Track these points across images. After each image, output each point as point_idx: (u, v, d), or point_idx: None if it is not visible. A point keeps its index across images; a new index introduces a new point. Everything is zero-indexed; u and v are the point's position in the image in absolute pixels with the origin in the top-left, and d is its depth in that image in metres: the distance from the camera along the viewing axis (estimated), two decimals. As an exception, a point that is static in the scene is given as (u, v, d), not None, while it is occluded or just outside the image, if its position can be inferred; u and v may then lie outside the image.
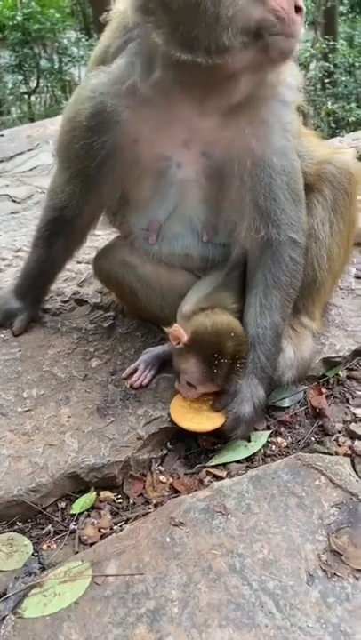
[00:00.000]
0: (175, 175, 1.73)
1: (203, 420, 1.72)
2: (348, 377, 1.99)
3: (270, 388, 1.84)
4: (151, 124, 1.66)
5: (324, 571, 1.37)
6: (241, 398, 1.74)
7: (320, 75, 12.24)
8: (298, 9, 1.43)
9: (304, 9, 1.45)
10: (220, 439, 1.78)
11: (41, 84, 14.49)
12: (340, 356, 1.99)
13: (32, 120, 12.41)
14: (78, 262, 2.51)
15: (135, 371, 1.90)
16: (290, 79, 1.72)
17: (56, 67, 14.56)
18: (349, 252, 2.08)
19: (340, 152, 2.06)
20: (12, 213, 4.59)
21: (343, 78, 11.73)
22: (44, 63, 14.49)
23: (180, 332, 1.68)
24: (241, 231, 1.78)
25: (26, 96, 14.35)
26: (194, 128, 1.66)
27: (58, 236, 1.99)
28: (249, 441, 1.77)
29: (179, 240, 1.82)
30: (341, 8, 15.58)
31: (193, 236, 1.81)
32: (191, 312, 1.77)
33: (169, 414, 1.77)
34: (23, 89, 14.37)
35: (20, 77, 14.14)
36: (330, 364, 1.99)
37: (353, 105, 11.18)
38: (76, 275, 2.45)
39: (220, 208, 1.78)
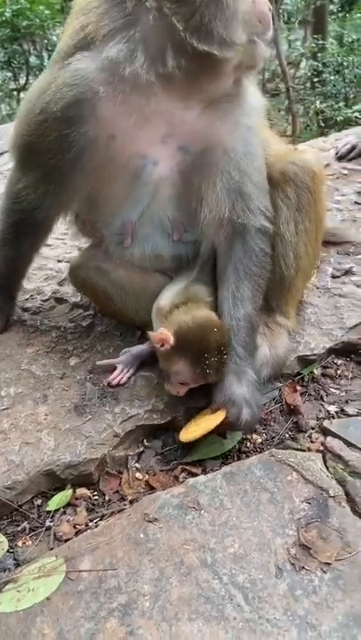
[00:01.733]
0: (151, 174, 1.72)
1: (205, 422, 1.71)
2: (323, 375, 2.02)
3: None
4: (132, 118, 1.62)
5: (293, 564, 1.40)
6: (230, 383, 1.73)
7: (309, 74, 12.27)
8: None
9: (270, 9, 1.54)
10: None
11: (30, 81, 14.40)
12: (315, 354, 2.02)
13: (21, 117, 12.33)
14: (59, 261, 2.52)
15: (113, 368, 1.91)
16: (253, 85, 1.79)
17: (45, 63, 14.47)
18: (318, 249, 2.11)
19: (302, 152, 2.08)
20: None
21: (332, 77, 11.73)
22: (33, 60, 14.41)
23: (166, 335, 1.67)
24: (211, 224, 1.80)
25: (15, 93, 14.26)
26: (175, 121, 1.66)
27: (25, 237, 1.98)
28: (224, 437, 1.79)
29: (149, 241, 1.83)
30: (331, 7, 15.61)
31: (163, 236, 1.82)
32: (168, 307, 1.79)
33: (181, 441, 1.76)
34: (12, 86, 14.29)
35: (9, 74, 14.05)
36: (305, 361, 2.02)
37: (341, 104, 11.19)
38: (56, 273, 2.46)
39: (191, 203, 1.79)
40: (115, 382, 1.89)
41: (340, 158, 3.28)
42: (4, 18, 12.80)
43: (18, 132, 1.79)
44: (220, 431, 1.75)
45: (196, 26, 1.47)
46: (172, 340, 1.67)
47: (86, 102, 1.59)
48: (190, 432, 1.72)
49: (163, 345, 1.69)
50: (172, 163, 1.73)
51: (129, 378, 1.92)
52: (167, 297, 1.83)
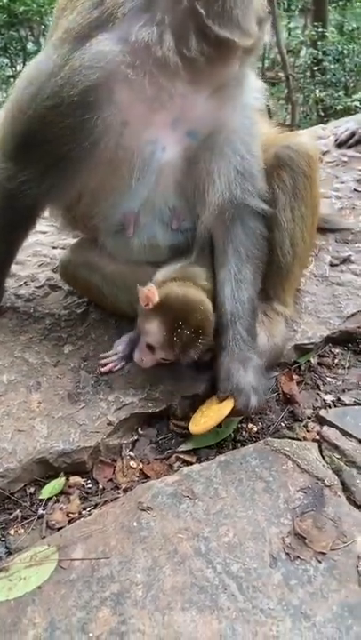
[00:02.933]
0: (159, 160, 1.67)
1: (215, 412, 1.68)
2: (320, 364, 2.00)
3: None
4: (148, 103, 1.57)
5: (288, 554, 1.38)
6: (236, 371, 1.70)
7: (309, 62, 12.15)
8: None
9: None
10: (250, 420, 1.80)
11: (27, 68, 14.28)
12: (311, 343, 2.00)
13: (18, 104, 12.22)
14: (53, 247, 2.49)
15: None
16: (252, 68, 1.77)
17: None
18: (314, 236, 2.08)
19: (297, 135, 2.04)
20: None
21: (332, 66, 11.62)
22: (30, 46, 14.21)
23: (153, 293, 1.68)
24: (213, 208, 1.76)
25: (12, 79, 14.11)
26: (186, 105, 1.61)
27: (14, 229, 1.94)
28: (220, 426, 1.77)
29: (147, 231, 1.79)
30: (332, -6, 15.44)
31: (162, 225, 1.78)
32: (163, 280, 1.78)
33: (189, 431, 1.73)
34: (9, 72, 14.11)
35: (6, 61, 13.88)
36: (302, 350, 2.00)
37: (341, 93, 11.10)
38: (50, 260, 2.43)
39: (192, 189, 1.76)
40: (105, 370, 1.87)
41: (339, 145, 3.23)
42: (0, 3, 12.62)
43: (13, 120, 1.68)
44: (228, 420, 1.74)
45: (218, 12, 1.45)
46: (156, 299, 1.68)
47: (106, 86, 1.52)
48: (201, 424, 1.69)
49: (147, 304, 1.69)
50: (179, 148, 1.70)
51: (122, 367, 1.90)
52: (165, 273, 1.82)
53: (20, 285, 2.26)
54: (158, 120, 1.62)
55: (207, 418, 1.68)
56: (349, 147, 3.21)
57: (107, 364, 1.88)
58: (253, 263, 1.83)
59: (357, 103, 10.28)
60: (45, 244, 2.55)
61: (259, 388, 1.70)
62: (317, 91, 11.41)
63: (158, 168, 1.70)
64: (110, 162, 1.66)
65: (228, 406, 1.66)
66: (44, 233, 2.66)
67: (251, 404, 1.67)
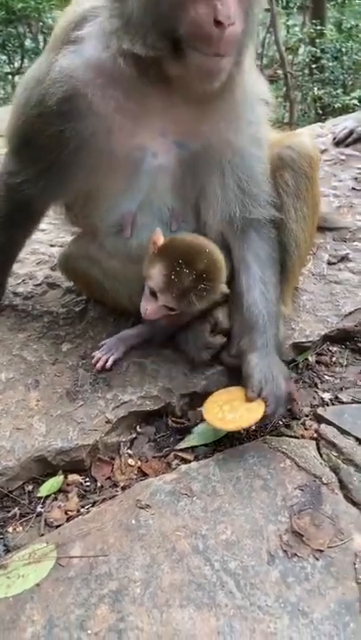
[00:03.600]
0: (150, 165, 1.68)
1: (244, 414, 1.64)
2: (318, 362, 2.00)
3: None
4: (128, 113, 1.59)
5: (285, 551, 1.39)
6: (271, 377, 1.69)
7: (307, 60, 12.13)
8: (218, 23, 1.36)
9: (228, 23, 1.36)
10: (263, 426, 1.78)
11: (25, 64, 14.18)
12: (309, 341, 2.00)
13: (16, 101, 12.18)
14: (52, 245, 2.49)
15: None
16: (256, 77, 1.75)
17: (41, 47, 14.25)
18: (314, 235, 2.08)
19: (298, 135, 2.04)
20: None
21: (331, 64, 11.61)
22: (28, 43, 14.17)
23: (158, 236, 1.70)
24: (219, 218, 1.78)
25: (10, 76, 14.05)
26: (168, 118, 1.63)
27: (18, 224, 1.95)
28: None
29: (148, 231, 1.79)
30: (330, -8, 15.42)
31: (161, 225, 1.78)
32: None
33: (204, 419, 1.70)
34: (7, 69, 14.07)
35: (4, 57, 13.83)
36: (300, 348, 2.00)
37: (339, 91, 11.09)
38: (49, 258, 2.43)
39: (192, 195, 1.77)
40: (98, 366, 1.86)
41: (337, 143, 3.23)
42: (-2, 0, 12.60)
43: (15, 123, 1.74)
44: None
45: (123, 26, 1.46)
46: (160, 241, 1.69)
47: (82, 97, 1.56)
48: (231, 422, 1.63)
49: (153, 248, 1.71)
50: (171, 155, 1.70)
51: (114, 361, 1.88)
52: None
53: (19, 283, 2.26)
54: (144, 129, 1.63)
55: (236, 415, 1.63)
56: (347, 145, 3.21)
57: (96, 361, 1.88)
58: (274, 266, 1.86)
59: (356, 101, 10.29)
60: (44, 241, 2.55)
61: (288, 395, 1.72)
62: (316, 88, 11.40)
63: (152, 172, 1.71)
64: (101, 167, 1.68)
65: (260, 411, 1.63)
66: (43, 231, 2.65)
67: (278, 413, 1.68)
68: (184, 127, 1.64)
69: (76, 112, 1.57)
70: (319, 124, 4.07)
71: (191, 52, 1.42)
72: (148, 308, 1.73)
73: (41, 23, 14.15)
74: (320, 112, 11.52)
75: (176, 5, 1.38)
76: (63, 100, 1.56)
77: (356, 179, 2.90)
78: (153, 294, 1.72)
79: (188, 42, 1.41)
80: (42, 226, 2.55)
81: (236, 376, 1.88)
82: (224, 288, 1.78)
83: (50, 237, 2.58)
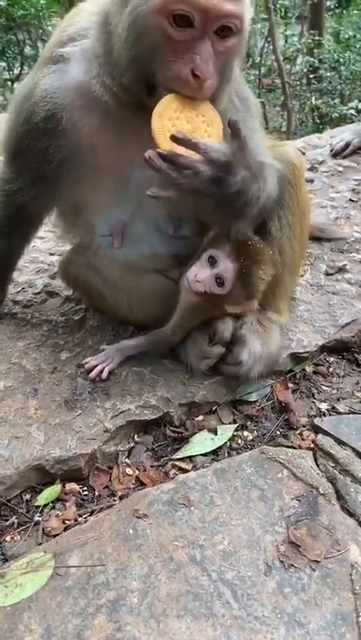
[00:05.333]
0: (138, 177, 1.69)
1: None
2: (315, 372, 2.02)
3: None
4: (111, 132, 1.62)
5: (282, 562, 1.39)
6: None
7: (305, 70, 12.24)
8: (196, 76, 1.39)
9: (204, 77, 1.39)
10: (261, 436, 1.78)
11: (25, 71, 14.24)
12: (307, 352, 2.01)
13: (15, 108, 12.23)
14: (51, 254, 2.50)
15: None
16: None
17: (40, 54, 14.34)
18: (304, 244, 2.08)
19: (281, 145, 2.04)
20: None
21: (328, 74, 11.73)
22: (28, 50, 14.23)
23: None
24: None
25: (9, 83, 14.11)
26: (151, 140, 1.64)
27: (17, 229, 1.97)
28: (215, 434, 1.79)
29: (145, 240, 1.80)
30: (328, 3, 15.57)
31: (158, 232, 1.80)
32: None
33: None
34: (6, 76, 14.12)
35: (4, 64, 13.89)
36: (297, 359, 2.02)
37: (337, 101, 11.19)
38: (48, 267, 2.44)
39: (185, 200, 1.77)
40: (92, 375, 1.87)
41: (334, 155, 3.27)
42: (-1, 7, 12.67)
43: (9, 135, 1.78)
44: None
45: (112, 75, 1.52)
46: None
47: (64, 116, 1.59)
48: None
49: None
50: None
51: (109, 372, 1.89)
52: None
53: (18, 291, 2.27)
54: (128, 145, 1.64)
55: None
56: (345, 157, 3.25)
57: (93, 368, 1.87)
58: None
59: (353, 111, 10.38)
60: (43, 250, 2.57)
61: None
62: (313, 98, 11.52)
63: (141, 183, 1.69)
64: (87, 180, 1.71)
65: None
66: (42, 238, 2.67)
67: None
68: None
69: (59, 130, 1.61)
70: (317, 134, 4.11)
71: (165, 91, 1.45)
72: (199, 273, 1.66)
73: (41, 30, 14.24)
74: (318, 121, 11.62)
75: (155, 52, 1.41)
76: (46, 119, 1.60)
77: (353, 190, 2.93)
78: (212, 262, 1.67)
79: (163, 84, 1.45)
80: (41, 234, 2.58)
81: (235, 386, 1.91)
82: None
83: (49, 246, 2.60)
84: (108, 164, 1.68)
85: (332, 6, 15.92)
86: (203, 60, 1.38)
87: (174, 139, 1.38)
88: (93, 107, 1.58)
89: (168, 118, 1.43)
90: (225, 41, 1.43)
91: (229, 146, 1.43)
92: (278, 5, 14.49)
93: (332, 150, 3.31)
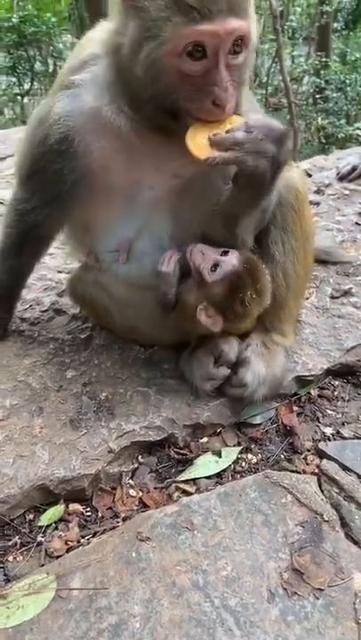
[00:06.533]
0: (146, 196, 1.74)
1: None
2: (320, 395, 2.02)
3: None
4: (122, 154, 1.67)
5: (285, 589, 1.39)
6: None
7: (312, 90, 12.39)
8: (217, 104, 1.46)
9: (225, 104, 1.46)
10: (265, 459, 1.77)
11: (35, 86, 14.45)
12: (312, 375, 2.02)
13: (24, 122, 12.37)
14: (59, 272, 2.52)
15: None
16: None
17: (50, 70, 14.53)
18: (308, 267, 2.10)
19: (287, 169, 2.06)
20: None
21: (334, 95, 11.88)
22: (38, 66, 14.43)
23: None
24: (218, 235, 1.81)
25: (19, 97, 14.30)
26: (164, 156, 1.67)
27: (28, 247, 2.00)
28: (220, 456, 1.79)
29: (149, 257, 1.83)
30: (336, 24, 15.80)
31: (162, 250, 1.82)
32: None
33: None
34: (16, 90, 14.32)
35: (14, 79, 14.08)
36: (302, 382, 2.02)
37: (343, 121, 11.32)
38: (56, 284, 2.46)
39: (191, 218, 1.80)
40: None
41: (341, 178, 3.30)
42: (10, 24, 12.86)
43: (24, 156, 1.83)
44: None
45: (119, 86, 1.57)
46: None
47: (78, 140, 1.64)
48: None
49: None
50: (168, 186, 1.74)
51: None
52: None
53: (26, 309, 2.29)
54: (138, 166, 1.69)
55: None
56: (351, 180, 3.28)
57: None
58: None
59: (359, 132, 10.48)
60: (51, 268, 2.59)
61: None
62: (319, 118, 11.65)
63: (148, 203, 1.76)
64: (98, 200, 1.76)
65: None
66: (50, 255, 2.69)
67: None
68: (179, 162, 1.68)
69: (73, 152, 1.65)
70: (323, 156, 4.15)
71: (189, 119, 1.52)
72: (208, 250, 1.73)
73: (51, 47, 14.45)
74: (323, 141, 11.74)
75: (175, 89, 1.48)
76: (60, 141, 1.65)
77: (359, 214, 2.95)
78: (224, 253, 1.73)
79: (187, 113, 1.51)
80: (50, 250, 2.60)
81: (239, 408, 1.91)
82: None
83: (57, 263, 2.62)
84: (117, 185, 1.72)
85: (340, 28, 16.12)
86: (221, 88, 1.45)
87: (213, 142, 1.48)
88: (104, 130, 1.63)
89: (201, 138, 1.51)
90: (237, 58, 1.49)
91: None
92: (286, 27, 14.68)
93: (338, 173, 3.34)
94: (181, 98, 1.49)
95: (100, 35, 1.67)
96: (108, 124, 1.61)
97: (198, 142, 1.50)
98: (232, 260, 1.70)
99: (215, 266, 1.70)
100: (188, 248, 1.75)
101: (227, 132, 1.50)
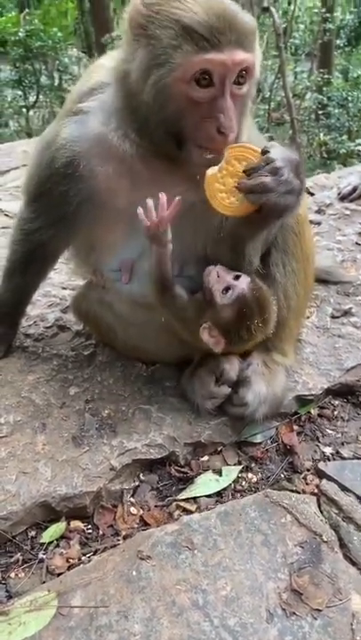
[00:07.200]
0: None
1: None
2: (320, 415, 2.04)
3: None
4: (127, 178, 1.71)
5: (284, 609, 1.40)
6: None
7: (314, 106, 12.52)
8: (221, 132, 1.51)
9: (229, 132, 1.51)
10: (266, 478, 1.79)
11: (40, 100, 14.63)
12: (312, 394, 2.04)
13: (29, 135, 12.53)
14: (63, 288, 2.56)
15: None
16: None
17: (56, 84, 14.72)
18: (309, 288, 2.13)
19: None
20: (3, 228, 4.65)
21: (336, 111, 12.00)
22: (43, 80, 14.61)
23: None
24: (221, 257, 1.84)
25: (24, 110, 14.45)
26: (168, 181, 1.71)
27: (33, 266, 2.05)
28: (220, 475, 1.80)
29: (148, 277, 1.86)
30: (338, 41, 15.99)
31: None
32: None
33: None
34: (22, 103, 14.47)
35: (20, 93, 14.25)
36: (302, 401, 2.04)
37: (344, 137, 11.43)
38: (60, 301, 2.49)
39: (193, 240, 1.83)
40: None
41: (342, 198, 3.35)
42: (17, 38, 13.05)
43: (31, 178, 1.88)
44: None
45: (127, 113, 1.62)
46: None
47: (83, 164, 1.69)
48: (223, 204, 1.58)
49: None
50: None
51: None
52: None
53: (30, 325, 2.32)
54: (143, 189, 1.72)
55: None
56: (352, 200, 3.32)
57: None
58: None
59: (360, 148, 10.57)
60: (56, 284, 2.63)
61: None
62: (321, 134, 11.76)
63: None
64: (102, 221, 1.80)
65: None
66: (55, 270, 2.72)
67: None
68: (183, 187, 1.73)
69: (78, 175, 1.70)
70: (324, 174, 4.21)
71: (193, 147, 1.58)
72: (223, 272, 1.75)
73: (57, 61, 14.64)
74: (325, 156, 11.84)
75: (182, 116, 1.53)
76: (66, 165, 1.70)
77: (359, 233, 2.99)
78: (236, 277, 1.75)
79: (192, 141, 1.57)
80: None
81: (240, 427, 1.93)
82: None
83: (62, 279, 2.65)
84: (121, 207, 1.76)
85: (342, 45, 16.32)
86: (226, 117, 1.51)
87: (242, 190, 1.52)
88: (110, 155, 1.68)
89: (218, 190, 1.56)
90: (241, 88, 1.56)
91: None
92: (289, 43, 14.86)
93: (339, 193, 3.39)
94: (187, 125, 1.54)
95: (108, 62, 1.72)
96: (113, 149, 1.66)
97: (215, 192, 1.56)
98: (242, 284, 1.72)
99: (227, 289, 1.72)
100: (208, 268, 1.77)
101: (246, 172, 1.52)
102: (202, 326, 1.76)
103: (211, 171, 1.56)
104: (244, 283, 1.73)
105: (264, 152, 1.54)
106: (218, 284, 1.73)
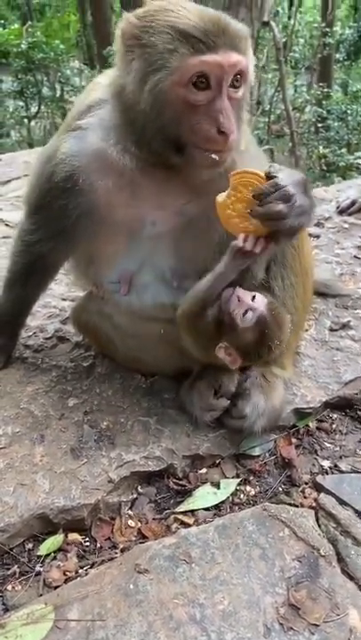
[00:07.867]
0: (149, 232, 1.79)
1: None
2: (318, 428, 2.04)
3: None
4: (126, 192, 1.73)
5: (281, 624, 1.40)
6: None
7: (313, 119, 12.62)
8: (221, 132, 1.53)
9: (229, 132, 1.52)
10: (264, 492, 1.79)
11: (42, 110, 14.74)
12: (310, 407, 2.04)
13: (30, 145, 12.63)
14: (63, 299, 2.57)
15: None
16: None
17: (58, 95, 14.83)
18: (307, 301, 2.15)
19: None
20: (4, 238, 4.68)
21: (336, 124, 12.09)
22: (45, 91, 14.73)
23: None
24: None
25: (26, 120, 14.56)
26: (167, 194, 1.74)
27: (33, 278, 2.07)
28: (218, 488, 1.80)
29: (150, 289, 1.87)
30: (338, 55, 16.15)
31: (163, 284, 1.87)
32: None
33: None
34: (23, 113, 14.58)
35: (21, 103, 14.36)
36: (300, 414, 2.04)
37: (343, 150, 11.50)
38: (60, 312, 2.50)
39: (193, 254, 1.84)
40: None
41: (341, 212, 3.38)
42: (19, 49, 13.17)
43: (32, 191, 1.91)
44: None
45: (126, 126, 1.64)
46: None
47: (82, 178, 1.71)
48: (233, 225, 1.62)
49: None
50: (170, 223, 1.79)
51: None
52: None
53: (30, 336, 2.33)
54: (142, 203, 1.75)
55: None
56: (350, 214, 3.35)
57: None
58: None
59: (359, 161, 10.63)
60: (55, 295, 2.64)
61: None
62: (321, 147, 11.82)
63: (151, 238, 1.81)
64: (102, 234, 1.82)
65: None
66: (54, 280, 2.73)
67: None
68: (182, 200, 1.75)
69: (78, 189, 1.73)
70: (323, 187, 4.24)
71: (194, 150, 1.59)
72: (243, 294, 1.71)
73: (59, 73, 14.76)
74: (324, 169, 11.90)
75: (180, 120, 1.55)
76: (66, 179, 1.72)
77: (358, 247, 3.01)
78: (253, 297, 1.73)
79: (192, 144, 1.58)
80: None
81: (238, 440, 1.93)
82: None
83: (62, 291, 2.67)
84: (121, 220, 1.78)
85: (342, 59, 16.48)
86: (225, 116, 1.53)
87: (257, 217, 1.55)
88: (109, 169, 1.70)
89: (230, 216, 1.60)
90: (237, 92, 1.59)
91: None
92: (289, 57, 15.00)
93: (338, 207, 3.42)
94: (186, 130, 1.56)
95: (104, 80, 1.76)
96: (112, 164, 1.68)
97: (228, 218, 1.59)
98: (261, 306, 1.71)
99: (249, 310, 1.70)
100: (227, 290, 1.74)
101: (255, 197, 1.53)
102: (218, 345, 1.75)
103: (220, 198, 1.59)
104: (262, 305, 1.71)
105: (269, 177, 1.55)
106: (238, 307, 1.71)
